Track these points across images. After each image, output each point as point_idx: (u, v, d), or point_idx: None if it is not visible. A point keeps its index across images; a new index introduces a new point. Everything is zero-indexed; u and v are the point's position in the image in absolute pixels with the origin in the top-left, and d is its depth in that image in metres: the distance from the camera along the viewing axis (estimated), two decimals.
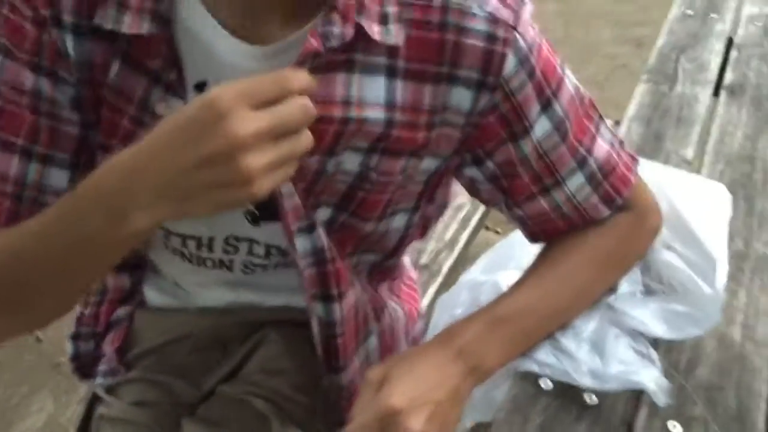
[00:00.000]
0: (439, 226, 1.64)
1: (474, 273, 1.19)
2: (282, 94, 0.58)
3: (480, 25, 0.71)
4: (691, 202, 1.03)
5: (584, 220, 0.86)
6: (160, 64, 0.71)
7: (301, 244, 0.81)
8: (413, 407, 0.72)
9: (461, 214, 1.70)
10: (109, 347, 0.99)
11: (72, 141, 0.75)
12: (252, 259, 0.87)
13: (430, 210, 0.89)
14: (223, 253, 0.86)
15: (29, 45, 0.71)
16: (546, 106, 0.78)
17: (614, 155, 0.85)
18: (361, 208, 0.82)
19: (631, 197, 0.87)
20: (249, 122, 0.55)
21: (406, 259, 1.12)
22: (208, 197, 0.58)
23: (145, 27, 0.69)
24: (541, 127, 0.78)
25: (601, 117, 0.85)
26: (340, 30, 0.68)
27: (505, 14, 0.72)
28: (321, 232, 0.81)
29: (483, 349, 0.79)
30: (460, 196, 1.72)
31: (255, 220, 0.82)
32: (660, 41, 1.74)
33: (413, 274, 1.16)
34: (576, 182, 0.83)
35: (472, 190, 0.87)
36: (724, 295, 0.94)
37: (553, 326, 0.88)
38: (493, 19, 0.72)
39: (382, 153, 0.77)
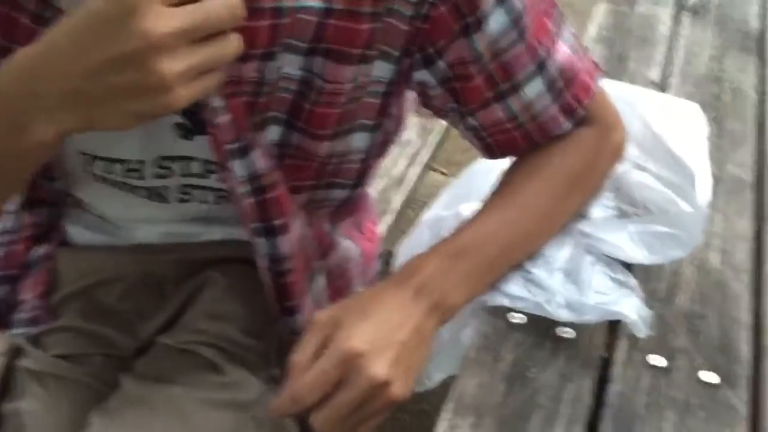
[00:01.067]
0: (387, 161, 1.55)
1: (435, 210, 1.11)
2: None
3: None
4: (664, 120, 0.96)
5: (543, 134, 0.79)
6: None
7: (237, 167, 0.72)
8: (376, 350, 0.64)
9: (409, 150, 1.61)
10: (29, 292, 0.87)
11: None
12: (189, 180, 0.78)
13: (389, 125, 0.80)
14: (155, 179, 0.77)
15: None
16: None
17: (576, 61, 0.78)
18: (311, 123, 0.73)
19: (593, 110, 0.80)
20: (165, 19, 0.49)
21: (371, 193, 1.03)
22: (120, 105, 0.52)
23: None
24: (497, 20, 0.70)
25: (563, 17, 0.76)
26: None
27: None
28: (258, 154, 0.72)
29: (445, 284, 0.72)
30: (407, 130, 1.65)
31: (187, 132, 0.73)
32: None
33: (372, 209, 1.07)
34: (534, 89, 0.75)
35: (424, 98, 0.79)
36: (708, 212, 0.88)
37: (519, 255, 0.81)
38: None
39: (326, 56, 0.69)
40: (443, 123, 1.64)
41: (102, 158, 0.74)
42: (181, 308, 0.87)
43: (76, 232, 0.88)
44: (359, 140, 0.78)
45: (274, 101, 0.71)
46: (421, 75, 0.74)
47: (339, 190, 0.83)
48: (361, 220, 0.98)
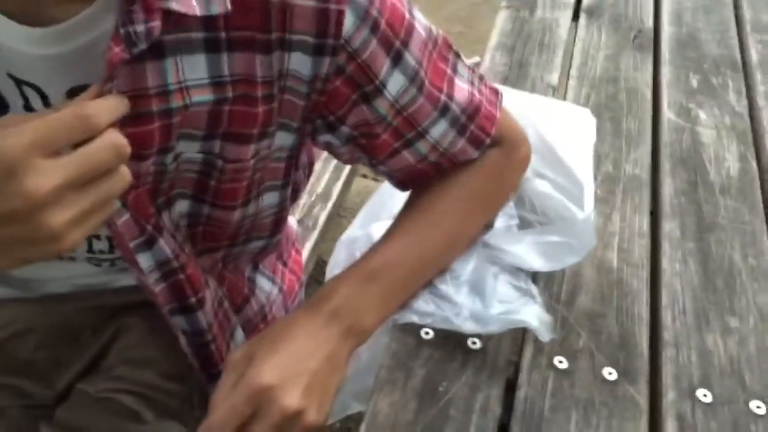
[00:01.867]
0: (312, 177, 1.57)
1: (350, 230, 1.14)
2: (85, 134, 0.50)
3: None
4: (556, 128, 1.00)
5: (453, 164, 0.81)
6: None
7: (144, 260, 0.72)
8: (286, 381, 0.66)
9: (332, 165, 1.63)
10: None
11: None
12: (95, 255, 0.78)
13: (298, 176, 0.82)
14: None
15: None
16: (396, 59, 0.70)
17: (476, 94, 0.79)
18: (219, 198, 0.74)
19: (497, 133, 0.83)
20: (46, 177, 0.48)
21: (291, 221, 1.04)
22: (11, 253, 0.52)
23: None
24: (395, 82, 0.71)
25: (457, 55, 0.79)
26: (144, 27, 0.57)
27: None
28: (164, 241, 0.73)
29: (357, 307, 0.74)
30: None
31: None
32: None
33: (296, 238, 1.08)
34: (439, 130, 0.77)
35: (332, 152, 0.80)
36: (594, 218, 0.92)
37: (429, 273, 0.83)
38: None
39: (224, 139, 0.69)
40: None
41: None
42: (99, 355, 0.86)
43: None
44: (270, 198, 0.78)
45: (178, 182, 0.71)
46: (326, 137, 0.75)
47: (256, 242, 0.84)
48: (282, 252, 0.99)
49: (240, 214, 0.77)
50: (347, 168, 1.62)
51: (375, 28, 0.67)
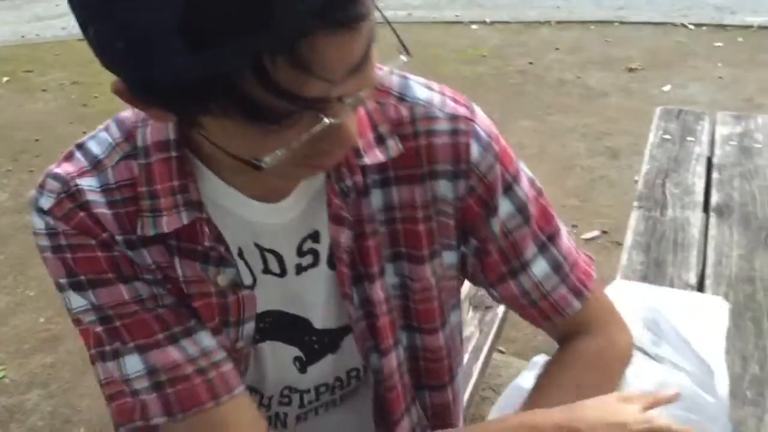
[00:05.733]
0: None
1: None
2: None
3: (444, 124, 0.82)
4: (690, 319, 1.10)
5: (557, 312, 0.92)
6: (207, 243, 0.77)
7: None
8: None
9: (471, 345, 1.75)
10: None
11: (189, 315, 0.79)
12: (304, 411, 0.92)
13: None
14: (278, 407, 0.92)
15: (107, 265, 0.75)
16: (507, 188, 0.85)
17: (574, 251, 0.92)
18: (422, 319, 0.88)
19: (599, 316, 0.93)
20: None
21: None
22: None
23: (183, 218, 0.75)
24: (505, 207, 0.86)
25: (558, 222, 0.91)
26: (351, 181, 0.79)
27: (462, 110, 0.83)
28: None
29: None
30: (469, 326, 1.78)
31: (302, 366, 0.88)
32: (644, 167, 1.85)
33: None
34: (540, 268, 0.89)
35: (463, 268, 0.93)
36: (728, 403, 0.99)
37: None
38: (453, 116, 0.82)
39: (407, 259, 0.85)
40: (499, 311, 1.79)
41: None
42: None
43: None
44: (455, 317, 0.92)
45: (392, 307, 0.87)
46: (462, 250, 0.90)
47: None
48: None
49: (442, 339, 0.90)
50: (486, 345, 1.73)
51: (495, 157, 0.84)
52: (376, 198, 0.83)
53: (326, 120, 0.61)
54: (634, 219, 1.63)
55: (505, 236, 0.87)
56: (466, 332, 1.79)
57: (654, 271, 1.45)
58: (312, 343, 0.87)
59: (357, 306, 0.85)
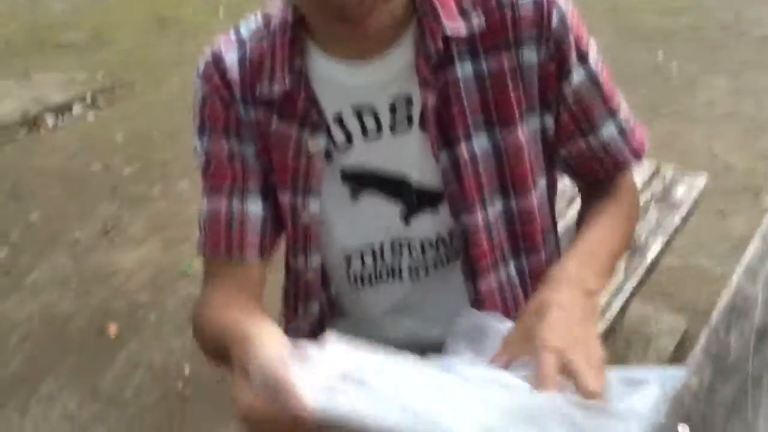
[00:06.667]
0: None
1: None
2: None
3: None
4: None
5: (617, 168, 1.04)
6: (303, 109, 0.93)
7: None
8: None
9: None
10: None
11: (258, 178, 0.99)
12: (415, 266, 1.02)
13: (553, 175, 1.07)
14: (392, 258, 1.02)
15: (222, 118, 0.97)
16: (580, 58, 0.95)
17: (632, 120, 1.03)
18: (516, 181, 0.97)
19: (629, 180, 1.07)
20: None
21: None
22: None
23: (287, 83, 0.93)
24: (578, 74, 0.95)
25: (619, 93, 1.02)
26: (433, 47, 0.90)
27: None
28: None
29: (583, 277, 0.88)
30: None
31: (405, 218, 0.99)
32: None
33: None
34: (608, 132, 1.00)
35: (543, 133, 1.01)
36: None
37: (615, 262, 0.99)
38: None
39: (500, 124, 0.94)
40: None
41: (356, 249, 1.02)
42: None
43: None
44: (541, 185, 1.02)
45: (486, 175, 0.97)
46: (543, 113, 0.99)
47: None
48: None
49: (534, 202, 0.99)
50: None
51: (570, 28, 0.93)
52: (465, 68, 0.92)
53: None
54: None
55: (577, 102, 0.97)
56: None
57: None
58: (411, 196, 0.98)
59: (447, 167, 0.95)
